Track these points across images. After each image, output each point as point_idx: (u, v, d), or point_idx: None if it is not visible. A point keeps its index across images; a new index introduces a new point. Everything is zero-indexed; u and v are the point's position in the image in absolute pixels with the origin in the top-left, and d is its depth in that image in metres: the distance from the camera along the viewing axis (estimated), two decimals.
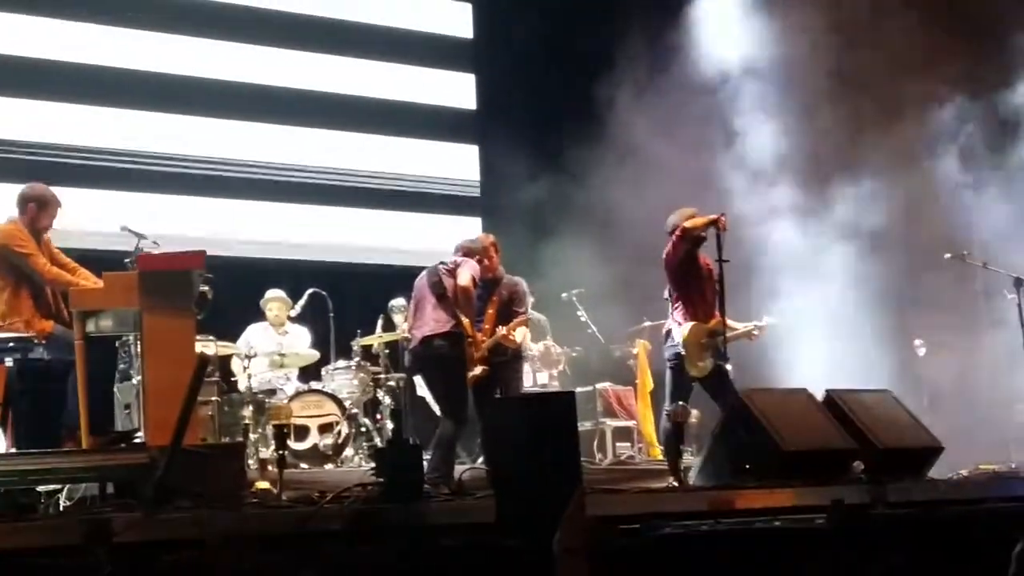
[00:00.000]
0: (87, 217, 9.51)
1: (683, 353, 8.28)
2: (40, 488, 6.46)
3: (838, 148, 10.93)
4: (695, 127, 10.81)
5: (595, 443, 10.77)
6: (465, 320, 8.21)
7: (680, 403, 7.96)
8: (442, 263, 8.32)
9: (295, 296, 10.29)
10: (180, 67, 11.59)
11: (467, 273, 8.14)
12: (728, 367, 8.25)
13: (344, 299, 10.46)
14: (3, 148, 10.45)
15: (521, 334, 8.75)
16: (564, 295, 11.21)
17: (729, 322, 8.29)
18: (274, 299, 10.32)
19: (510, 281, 8.80)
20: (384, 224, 12.46)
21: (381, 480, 6.02)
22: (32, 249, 7.11)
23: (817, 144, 10.81)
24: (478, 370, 8.38)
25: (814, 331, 9.54)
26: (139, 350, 7.22)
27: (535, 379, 10.50)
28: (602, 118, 11.21)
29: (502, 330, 8.51)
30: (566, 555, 5.02)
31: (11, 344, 6.96)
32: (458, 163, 13.12)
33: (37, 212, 7.25)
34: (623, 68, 11.11)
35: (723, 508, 6.34)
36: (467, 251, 8.46)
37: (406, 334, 9.16)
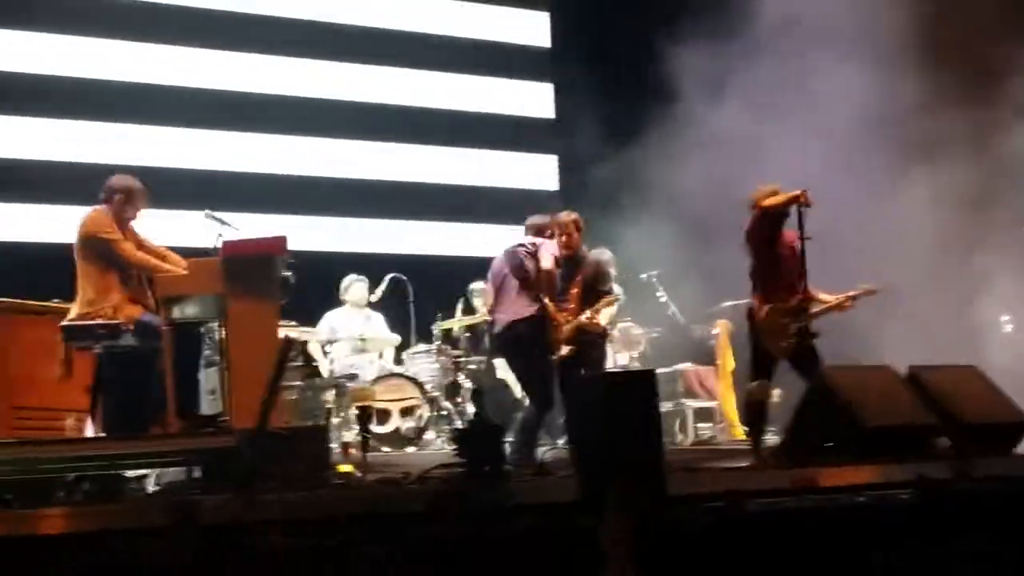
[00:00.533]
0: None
1: (761, 335, 8.21)
2: (128, 473, 6.57)
3: (922, 115, 10.73)
4: (774, 96, 10.69)
5: (676, 424, 10.75)
6: (549, 303, 8.17)
7: (761, 380, 7.90)
8: (521, 245, 8.28)
9: (375, 282, 10.39)
10: (267, 86, 11.81)
11: (549, 256, 8.11)
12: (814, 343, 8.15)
13: (423, 283, 10.53)
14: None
15: (607, 316, 8.69)
16: (643, 276, 11.16)
17: (821, 295, 8.20)
18: (355, 281, 10.40)
19: (593, 259, 8.68)
20: (462, 220, 12.51)
21: (463, 460, 6.07)
22: (117, 235, 7.20)
23: (901, 111, 10.63)
24: (564, 350, 8.29)
25: (895, 305, 9.39)
26: (223, 336, 7.34)
27: (615, 360, 10.46)
28: (678, 93, 11.15)
29: (587, 314, 8.38)
30: (613, 547, 5.02)
31: (100, 331, 7.06)
32: (535, 163, 13.14)
33: (123, 203, 7.34)
34: (697, 40, 11.03)
35: (806, 485, 6.32)
36: (538, 229, 8.40)
37: (487, 317, 9.15)
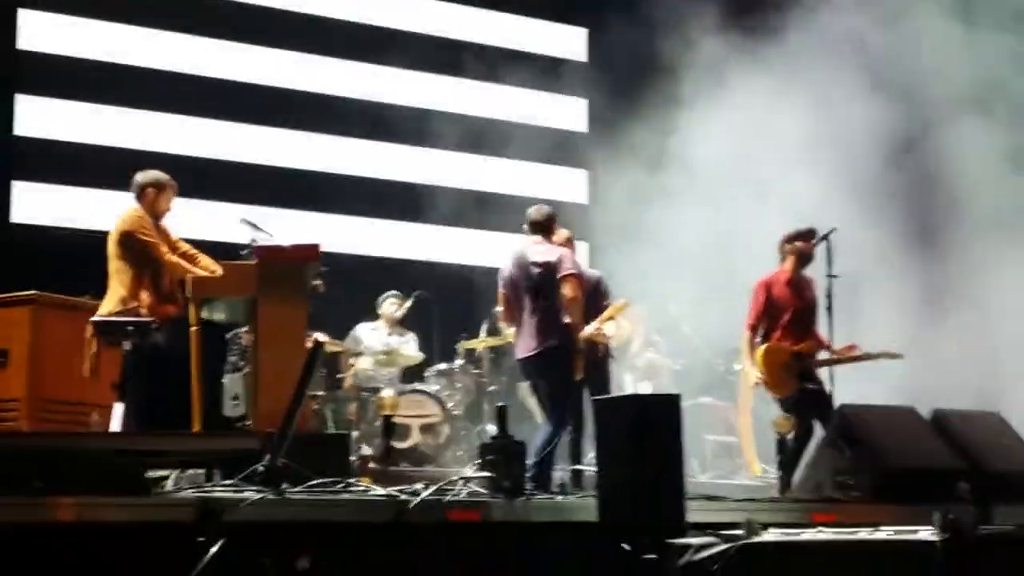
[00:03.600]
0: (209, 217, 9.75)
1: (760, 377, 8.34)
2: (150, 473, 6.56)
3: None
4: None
5: (696, 458, 10.71)
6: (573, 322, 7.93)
7: (785, 415, 7.90)
8: (533, 263, 7.85)
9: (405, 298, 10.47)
10: (293, 81, 11.89)
11: (574, 281, 7.73)
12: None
13: (449, 302, 10.56)
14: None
15: (612, 327, 8.21)
16: (673, 308, 11.16)
17: (834, 347, 8.35)
18: (391, 295, 10.48)
19: (593, 274, 8.38)
20: (493, 238, 12.45)
21: (485, 474, 6.09)
22: (154, 238, 7.27)
23: None
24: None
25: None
26: (250, 341, 7.38)
27: (636, 389, 10.45)
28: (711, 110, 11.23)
29: (593, 325, 7.88)
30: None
31: (131, 328, 7.11)
32: (566, 187, 13.15)
33: (156, 197, 7.41)
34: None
35: (824, 521, 6.31)
36: (543, 228, 7.94)
37: (510, 338, 8.93)
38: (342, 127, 11.97)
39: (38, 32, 10.79)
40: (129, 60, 11.08)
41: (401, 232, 12.19)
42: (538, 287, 7.83)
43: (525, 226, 8.06)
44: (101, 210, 9.45)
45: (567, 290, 7.73)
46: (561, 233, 8.24)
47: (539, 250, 7.92)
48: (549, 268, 7.82)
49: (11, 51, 10.68)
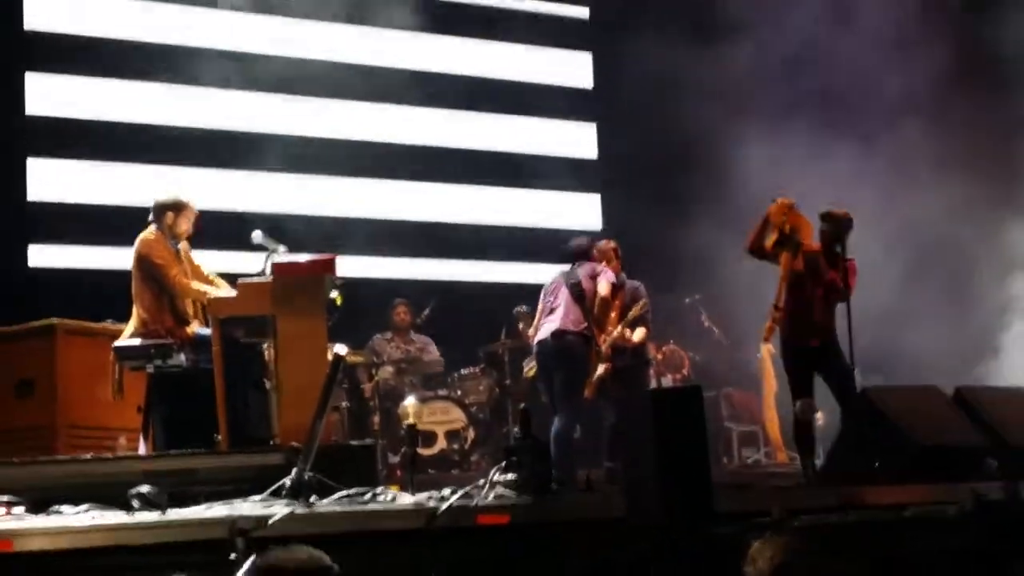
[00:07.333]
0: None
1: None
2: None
3: None
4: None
5: (720, 448, 10.74)
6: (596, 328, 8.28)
7: (804, 399, 7.85)
8: (581, 265, 8.41)
9: (421, 305, 10.47)
10: (323, 131, 11.61)
11: (607, 283, 8.31)
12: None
13: (469, 308, 10.56)
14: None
15: (640, 334, 8.71)
16: (687, 300, 11.18)
17: None
18: (400, 304, 10.49)
19: (632, 285, 8.81)
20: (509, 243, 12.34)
21: (510, 477, 6.10)
22: (168, 260, 7.26)
23: None
24: (601, 369, 8.37)
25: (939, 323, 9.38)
26: (272, 357, 7.40)
27: (659, 383, 10.46)
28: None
29: (617, 329, 8.51)
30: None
31: (152, 351, 7.16)
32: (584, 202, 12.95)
33: (175, 219, 7.43)
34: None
35: (854, 503, 6.31)
36: (585, 252, 8.54)
37: (531, 329, 8.92)
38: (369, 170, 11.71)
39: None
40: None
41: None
42: (578, 283, 8.32)
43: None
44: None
45: (600, 287, 8.24)
46: (608, 242, 8.94)
47: (585, 264, 8.49)
48: (591, 272, 8.39)
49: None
